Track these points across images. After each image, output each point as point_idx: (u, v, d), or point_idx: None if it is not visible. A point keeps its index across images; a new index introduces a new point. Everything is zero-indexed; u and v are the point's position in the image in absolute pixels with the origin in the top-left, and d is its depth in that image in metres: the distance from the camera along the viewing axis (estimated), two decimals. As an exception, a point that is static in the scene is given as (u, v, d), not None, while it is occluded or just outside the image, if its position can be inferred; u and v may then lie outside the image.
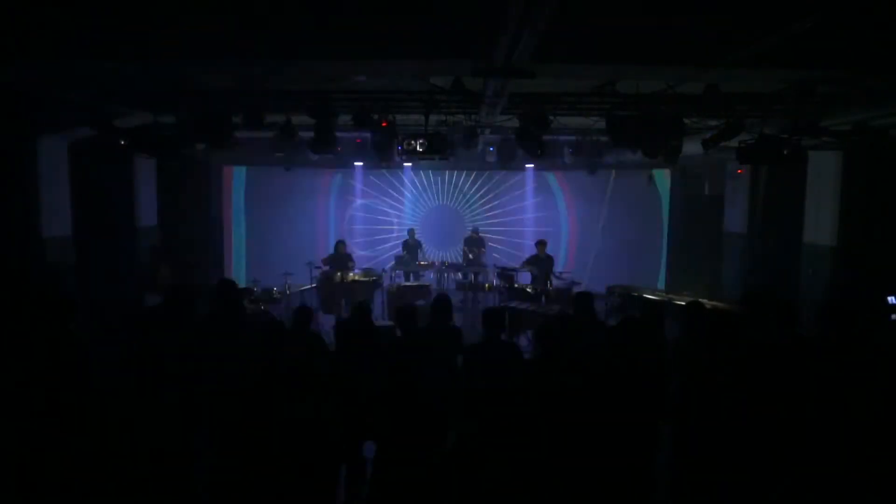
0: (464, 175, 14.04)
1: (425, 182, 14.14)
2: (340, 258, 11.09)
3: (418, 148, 7.36)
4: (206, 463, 3.99)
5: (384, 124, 7.23)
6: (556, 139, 9.54)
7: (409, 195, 14.13)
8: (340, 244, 11.32)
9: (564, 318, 6.61)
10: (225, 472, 3.96)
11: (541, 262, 10.83)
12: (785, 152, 7.01)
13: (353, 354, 4.49)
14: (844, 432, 3.68)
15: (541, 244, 11.13)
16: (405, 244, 12.54)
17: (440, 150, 7.42)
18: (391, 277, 11.41)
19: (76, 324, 4.17)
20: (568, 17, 3.89)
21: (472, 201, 14.18)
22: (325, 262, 10.94)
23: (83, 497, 3.68)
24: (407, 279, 11.55)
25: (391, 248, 13.74)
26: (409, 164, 11.85)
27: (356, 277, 10.79)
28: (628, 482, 3.85)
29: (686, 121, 7.08)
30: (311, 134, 7.43)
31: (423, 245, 12.73)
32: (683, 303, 7.54)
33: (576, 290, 10.52)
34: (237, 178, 13.16)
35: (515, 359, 4.47)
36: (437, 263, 12.54)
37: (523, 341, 9.00)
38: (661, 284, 12.69)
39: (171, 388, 3.90)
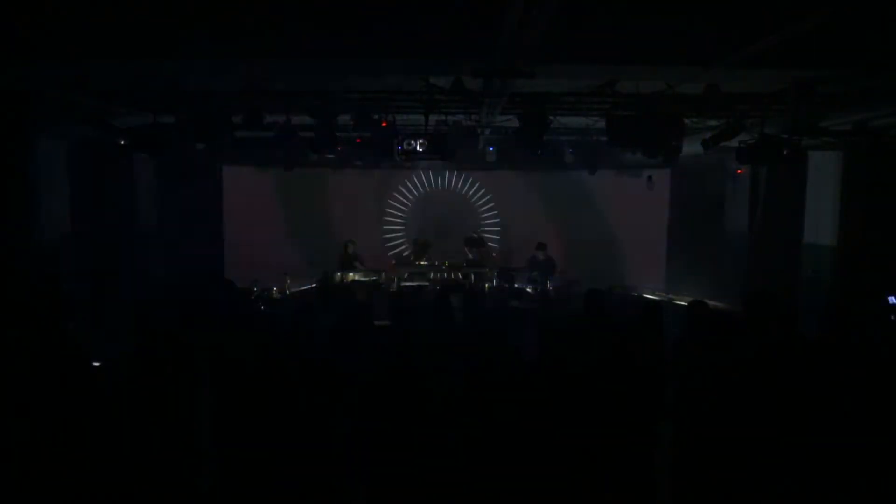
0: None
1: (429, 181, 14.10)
2: (348, 259, 11.09)
3: (418, 148, 7.37)
4: (208, 463, 3.99)
5: (384, 124, 7.24)
6: (556, 139, 9.54)
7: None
8: (348, 245, 11.30)
9: (569, 317, 6.60)
10: (226, 471, 3.96)
11: (539, 265, 10.84)
12: (785, 152, 7.02)
13: (353, 354, 4.49)
14: (844, 432, 3.67)
15: (539, 247, 11.14)
16: (415, 244, 12.54)
17: (440, 150, 7.43)
18: (392, 278, 11.41)
19: (75, 324, 4.16)
20: (568, 18, 3.89)
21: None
22: (339, 265, 10.97)
23: (84, 498, 3.68)
24: (409, 279, 11.53)
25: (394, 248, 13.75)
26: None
27: (356, 277, 10.79)
28: (628, 482, 3.85)
29: (686, 121, 7.08)
30: (311, 134, 7.43)
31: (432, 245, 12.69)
32: (684, 303, 7.54)
33: (575, 289, 10.56)
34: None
35: (514, 359, 4.46)
36: (437, 264, 12.52)
37: (523, 341, 8.99)
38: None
39: (171, 388, 3.90)
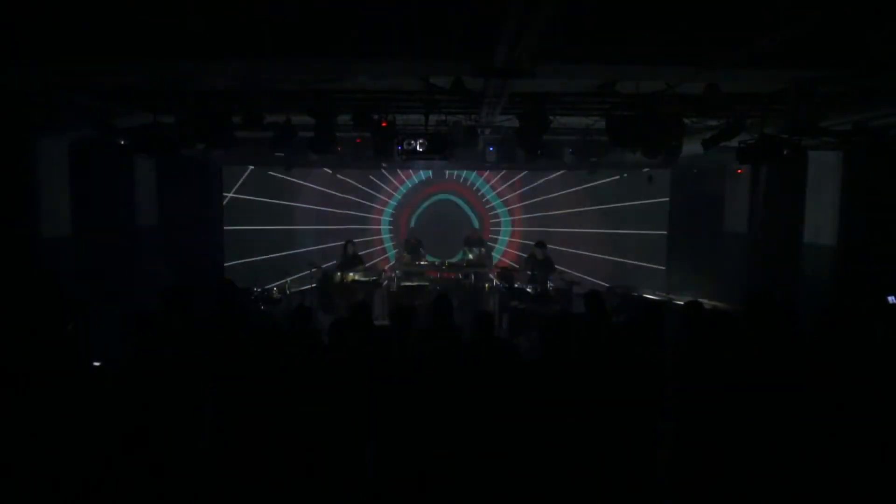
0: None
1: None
2: (349, 259, 11.08)
3: (418, 148, 7.37)
4: (207, 463, 3.99)
5: (384, 124, 7.23)
6: (556, 139, 9.54)
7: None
8: (349, 244, 11.30)
9: (569, 317, 6.58)
10: (225, 472, 3.96)
11: (538, 264, 10.82)
12: (785, 152, 7.01)
13: (352, 353, 4.49)
14: (845, 432, 3.67)
15: (538, 245, 11.14)
16: (406, 243, 12.54)
17: (440, 150, 7.43)
18: (391, 277, 11.41)
19: (75, 324, 4.16)
20: (568, 18, 3.89)
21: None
22: (338, 266, 10.96)
23: (84, 498, 3.68)
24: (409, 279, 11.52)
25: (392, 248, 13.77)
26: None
27: (356, 277, 10.79)
28: (628, 482, 3.85)
29: (686, 121, 7.08)
30: (311, 134, 7.43)
31: (424, 244, 12.68)
32: (683, 303, 7.54)
33: (575, 290, 10.56)
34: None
35: (514, 359, 4.47)
36: (437, 264, 12.51)
37: (523, 342, 9.00)
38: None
39: (171, 388, 3.90)
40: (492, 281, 11.18)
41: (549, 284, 10.53)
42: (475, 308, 9.70)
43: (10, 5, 4.45)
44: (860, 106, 6.36)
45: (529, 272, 10.79)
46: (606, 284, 11.25)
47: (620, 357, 4.21)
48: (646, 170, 11.43)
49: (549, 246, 11.13)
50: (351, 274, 10.79)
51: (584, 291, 6.40)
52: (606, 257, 13.79)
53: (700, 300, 6.36)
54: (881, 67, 5.09)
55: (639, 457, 3.90)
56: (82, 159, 7.96)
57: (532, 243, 11.39)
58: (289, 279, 10.48)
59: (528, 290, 10.20)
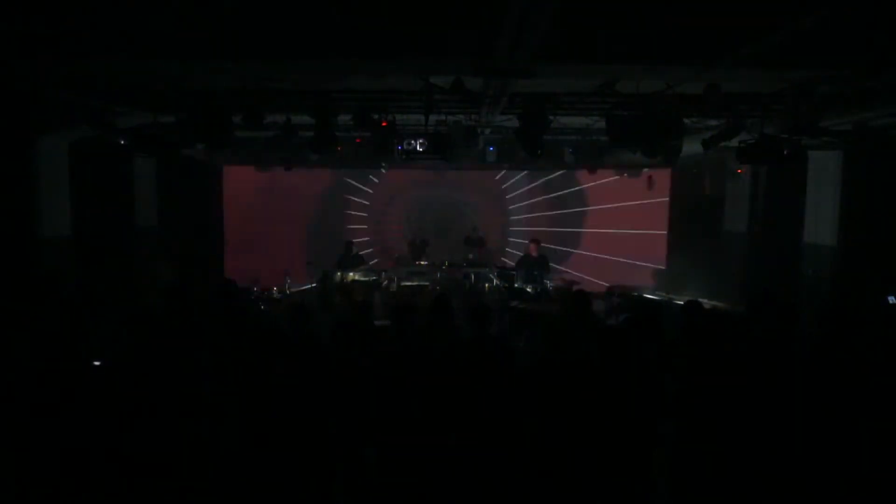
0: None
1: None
2: (350, 259, 11.10)
3: (418, 148, 7.38)
4: (206, 462, 3.99)
5: (384, 124, 7.24)
6: (556, 139, 9.54)
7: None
8: (350, 245, 11.32)
9: (567, 317, 6.57)
10: (225, 471, 3.96)
11: (532, 262, 10.80)
12: (785, 152, 7.01)
13: (352, 353, 4.49)
14: (844, 432, 3.67)
15: (532, 243, 11.11)
16: (410, 244, 12.54)
17: (440, 150, 7.44)
18: (392, 277, 11.41)
19: (75, 325, 4.17)
20: (568, 18, 3.90)
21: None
22: (337, 265, 10.96)
23: (84, 497, 3.68)
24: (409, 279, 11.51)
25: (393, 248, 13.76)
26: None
27: (356, 277, 10.79)
28: (627, 482, 3.85)
29: (686, 121, 7.08)
30: (311, 134, 7.43)
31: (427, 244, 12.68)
32: (683, 303, 7.54)
33: (575, 289, 10.54)
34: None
35: (513, 359, 4.47)
36: (437, 263, 12.50)
37: (523, 341, 8.99)
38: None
39: (170, 388, 3.90)
40: (492, 281, 11.18)
41: (549, 284, 10.52)
42: (476, 308, 9.68)
43: (9, 4, 4.45)
44: (860, 106, 6.37)
45: (531, 272, 10.78)
46: (606, 284, 11.24)
47: (620, 357, 4.20)
48: (645, 169, 11.43)
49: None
50: (351, 274, 10.79)
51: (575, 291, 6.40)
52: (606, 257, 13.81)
53: (700, 300, 6.36)
54: (881, 67, 5.09)
55: (638, 457, 3.89)
56: (82, 159, 7.96)
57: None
58: (288, 279, 10.47)
59: (528, 289, 10.19)
